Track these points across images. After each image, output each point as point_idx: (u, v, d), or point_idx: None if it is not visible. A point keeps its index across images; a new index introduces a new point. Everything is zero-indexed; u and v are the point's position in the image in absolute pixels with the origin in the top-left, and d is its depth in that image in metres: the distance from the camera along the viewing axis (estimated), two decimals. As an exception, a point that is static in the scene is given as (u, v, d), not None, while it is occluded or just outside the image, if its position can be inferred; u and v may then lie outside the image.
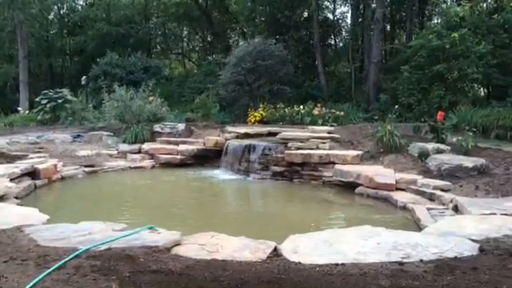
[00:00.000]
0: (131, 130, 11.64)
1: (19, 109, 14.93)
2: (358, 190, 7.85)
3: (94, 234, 4.30)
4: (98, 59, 18.90)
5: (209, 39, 27.34)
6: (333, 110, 14.47)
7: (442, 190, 7.01)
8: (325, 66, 19.44)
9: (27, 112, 14.94)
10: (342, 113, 14.39)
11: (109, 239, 4.04)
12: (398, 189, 7.46)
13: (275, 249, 4.15)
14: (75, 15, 25.68)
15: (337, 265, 3.66)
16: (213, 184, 9.06)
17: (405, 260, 3.81)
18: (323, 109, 14.51)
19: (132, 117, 12.18)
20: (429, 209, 6.39)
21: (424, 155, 8.29)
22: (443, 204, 6.58)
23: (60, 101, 13.70)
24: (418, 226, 5.82)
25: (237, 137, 10.75)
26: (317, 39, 18.77)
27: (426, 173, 7.87)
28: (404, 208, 6.76)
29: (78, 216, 6.33)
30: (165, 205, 7.33)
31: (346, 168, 8.32)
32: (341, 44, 22.39)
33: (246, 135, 10.75)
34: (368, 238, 4.49)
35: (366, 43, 18.79)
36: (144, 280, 3.20)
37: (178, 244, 4.16)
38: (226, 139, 10.72)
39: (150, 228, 4.52)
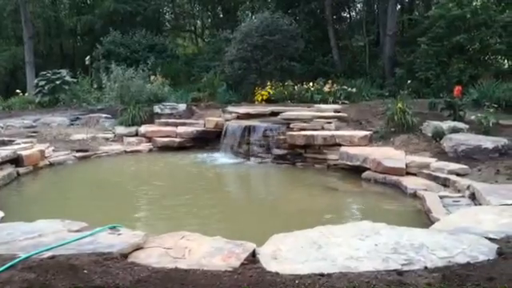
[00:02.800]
0: (128, 112, 11.07)
1: (18, 91, 14.52)
2: (365, 174, 7.16)
3: (44, 236, 3.74)
4: (101, 38, 18.27)
5: (220, 16, 26.45)
6: (344, 87, 13.61)
7: (458, 175, 6.26)
8: (338, 40, 18.42)
9: (26, 94, 14.53)
10: (355, 89, 13.53)
11: (57, 244, 3.48)
12: (408, 173, 6.76)
13: (253, 253, 3.52)
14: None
15: (322, 275, 3.01)
16: (209, 169, 8.44)
17: (405, 268, 3.14)
18: (334, 85, 13.67)
19: (131, 97, 11.59)
20: (442, 197, 5.69)
21: (438, 135, 7.50)
22: (458, 191, 5.86)
23: (58, 82, 13.18)
24: (428, 218, 5.14)
25: (238, 117, 10.08)
26: (329, 12, 17.72)
27: (441, 155, 7.11)
28: (414, 195, 6.07)
29: (48, 210, 5.88)
30: (152, 194, 6.77)
31: (352, 150, 7.60)
32: (354, 16, 21.22)
33: (248, 115, 10.06)
34: (365, 238, 3.82)
35: (381, 14, 17.67)
36: (76, 302, 2.62)
37: (139, 248, 3.56)
38: (227, 120, 10.06)
39: (112, 228, 3.93)
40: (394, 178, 6.72)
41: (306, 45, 17.07)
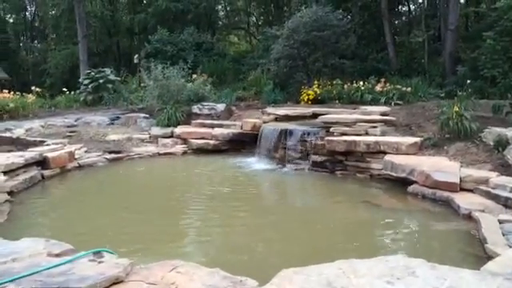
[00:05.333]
0: (165, 112, 10.71)
1: (64, 89, 14.71)
2: (412, 188, 6.26)
3: (18, 260, 3.28)
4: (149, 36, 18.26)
5: (271, 12, 25.83)
6: (398, 86, 12.52)
7: (524, 195, 5.23)
8: (394, 36, 17.19)
9: (72, 93, 14.70)
10: (410, 89, 12.40)
11: (23, 273, 3.00)
12: (463, 189, 5.79)
13: (253, 293, 2.87)
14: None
15: None
16: (240, 176, 7.81)
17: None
18: (387, 85, 12.62)
19: (170, 97, 11.25)
20: (502, 221, 4.74)
21: (501, 144, 6.42)
22: (524, 215, 4.86)
23: (102, 81, 13.14)
24: (482, 249, 4.24)
25: (276, 119, 9.41)
26: (384, 5, 16.51)
27: (504, 168, 6.05)
28: (468, 217, 5.13)
29: (56, 223, 5.56)
30: (174, 204, 6.27)
31: (397, 160, 6.69)
32: (413, 9, 19.80)
33: (286, 117, 9.36)
34: (395, 281, 3.03)
35: (442, 7, 16.26)
36: None
37: (117, 282, 3.01)
38: (264, 122, 9.41)
39: (97, 253, 3.42)
40: (446, 194, 5.78)
41: (359, 41, 16.07)
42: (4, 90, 12.35)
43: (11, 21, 31.85)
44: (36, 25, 31.84)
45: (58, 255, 3.44)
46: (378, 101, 11.68)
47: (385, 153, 7.11)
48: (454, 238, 4.75)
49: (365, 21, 17.27)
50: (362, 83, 12.71)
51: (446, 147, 7.10)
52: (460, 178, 5.84)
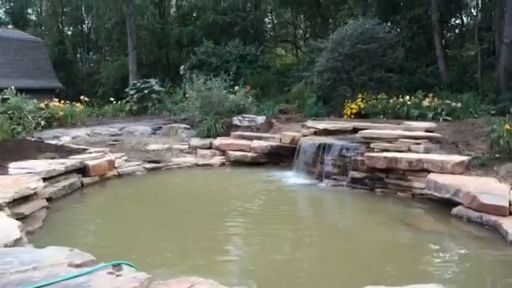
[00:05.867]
0: (204, 123, 10.76)
1: (112, 99, 15.18)
2: (456, 210, 5.88)
3: (39, 269, 3.30)
4: (195, 48, 18.57)
5: (318, 25, 25.66)
6: (448, 101, 11.96)
7: None
8: (445, 49, 16.54)
9: (119, 103, 15.12)
10: (460, 104, 11.80)
11: (39, 283, 3.00)
12: (512, 214, 5.36)
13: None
14: (186, 5, 25.97)
15: None
16: (275, 190, 7.62)
17: None
18: (435, 99, 12.09)
19: (211, 108, 11.31)
20: (555, 252, 4.31)
21: (558, 167, 5.93)
22: None
23: (146, 91, 13.44)
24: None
25: (315, 133, 9.19)
26: (435, 17, 15.94)
27: (560, 193, 5.56)
28: (517, 245, 4.72)
29: (89, 229, 5.66)
30: (206, 218, 6.18)
31: (441, 179, 6.31)
32: (466, 22, 18.99)
33: (326, 131, 9.12)
34: (424, 314, 2.81)
35: (496, 20, 15.48)
36: None
37: (131, 298, 2.96)
38: (304, 135, 9.22)
39: (117, 265, 3.38)
40: (493, 218, 5.37)
41: (407, 54, 15.56)
42: (55, 99, 12.89)
43: (69, 33, 33.48)
44: (92, 37, 33.30)
45: (78, 266, 3.43)
46: (425, 116, 11.20)
47: (428, 171, 6.73)
48: (498, 268, 4.38)
49: (414, 33, 16.71)
50: (408, 98, 12.26)
51: (495, 167, 6.63)
52: (509, 202, 5.41)
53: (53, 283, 3.02)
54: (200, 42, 21.53)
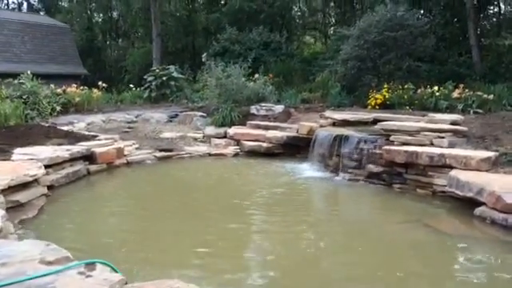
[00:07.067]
0: (220, 112, 10.43)
1: (131, 86, 15.03)
2: (479, 211, 5.35)
3: (7, 265, 3.03)
4: (218, 35, 18.22)
5: (347, 12, 24.89)
6: (479, 93, 11.22)
7: None
8: (480, 38, 15.63)
9: (138, 89, 14.93)
10: (492, 96, 11.06)
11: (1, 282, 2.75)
12: (542, 217, 4.82)
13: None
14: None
15: None
16: (287, 183, 7.20)
17: None
18: (466, 91, 11.37)
19: (228, 96, 10.96)
20: None
21: None
22: None
23: (165, 78, 13.20)
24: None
25: (334, 124, 8.73)
26: (470, 5, 15.06)
27: None
28: (546, 253, 4.21)
29: (84, 221, 5.35)
30: (213, 214, 5.84)
31: (464, 176, 5.78)
32: (504, 9, 17.90)
33: (345, 122, 8.64)
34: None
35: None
36: None
37: (99, 302, 2.66)
38: (321, 126, 8.78)
39: (90, 264, 3.09)
40: (519, 221, 4.86)
41: (439, 43, 14.77)
42: (73, 85, 12.82)
43: (99, 20, 33.71)
44: (121, 24, 33.41)
45: (50, 263, 3.15)
46: (455, 108, 10.53)
47: (451, 167, 6.19)
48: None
49: (447, 21, 15.88)
50: (436, 88, 11.59)
51: (526, 165, 6.06)
52: (539, 204, 4.88)
53: (14, 283, 2.76)
54: (226, 30, 21.23)
